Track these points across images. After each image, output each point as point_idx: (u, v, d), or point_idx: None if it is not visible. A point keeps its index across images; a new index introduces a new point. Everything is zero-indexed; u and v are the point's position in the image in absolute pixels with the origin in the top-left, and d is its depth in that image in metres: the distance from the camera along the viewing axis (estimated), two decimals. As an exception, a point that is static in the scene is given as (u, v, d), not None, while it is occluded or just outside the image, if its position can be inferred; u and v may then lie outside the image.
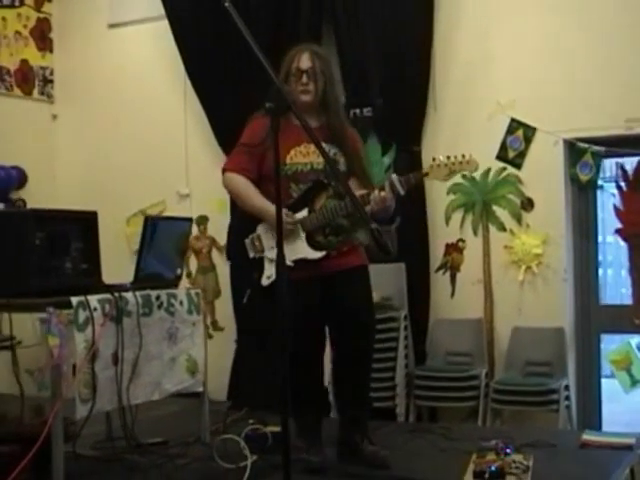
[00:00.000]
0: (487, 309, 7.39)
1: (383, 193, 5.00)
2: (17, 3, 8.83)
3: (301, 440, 5.30)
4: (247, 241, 5.26)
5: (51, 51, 9.20)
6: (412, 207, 7.35)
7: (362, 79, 7.64)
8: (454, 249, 7.56)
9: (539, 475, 4.81)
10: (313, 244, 5.13)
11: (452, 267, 7.58)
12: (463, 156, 5.03)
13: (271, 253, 5.13)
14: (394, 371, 7.28)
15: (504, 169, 7.32)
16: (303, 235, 5.14)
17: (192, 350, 5.61)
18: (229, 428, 5.75)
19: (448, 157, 5.03)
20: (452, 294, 7.58)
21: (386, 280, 7.41)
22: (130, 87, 8.90)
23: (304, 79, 5.22)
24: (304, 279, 5.03)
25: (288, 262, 5.00)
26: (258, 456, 5.10)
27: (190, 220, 5.99)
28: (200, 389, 5.71)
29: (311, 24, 7.78)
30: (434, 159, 5.10)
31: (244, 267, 5.28)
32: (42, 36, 9.08)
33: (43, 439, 4.49)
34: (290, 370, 5.29)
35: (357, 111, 7.30)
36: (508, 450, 5.04)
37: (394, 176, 5.07)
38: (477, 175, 7.24)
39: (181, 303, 5.54)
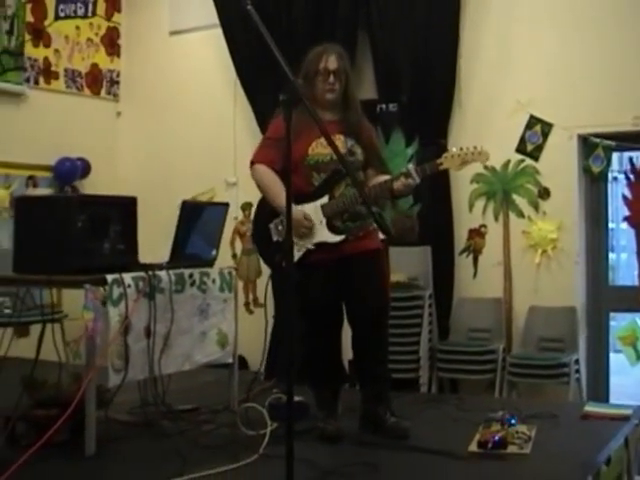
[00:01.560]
0: (506, 289, 7.11)
1: (404, 180, 4.67)
2: (90, 14, 8.69)
3: (319, 411, 4.98)
4: (271, 225, 4.91)
5: (118, 56, 9.03)
6: (438, 195, 7.19)
7: (393, 78, 7.39)
8: (476, 234, 7.28)
9: (539, 445, 4.44)
10: (332, 229, 4.79)
11: (475, 250, 7.29)
12: (475, 147, 4.68)
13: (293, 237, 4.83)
14: (418, 345, 7.00)
15: (523, 161, 7.05)
16: (324, 220, 4.80)
17: (223, 325, 5.24)
18: (258, 397, 5.36)
19: (461, 148, 4.70)
20: (474, 275, 7.30)
21: (413, 262, 7.23)
22: (186, 88, 8.70)
23: (331, 79, 4.88)
24: (324, 260, 4.77)
25: (309, 245, 4.77)
26: (279, 424, 4.77)
27: (226, 205, 5.58)
28: (230, 360, 5.31)
29: (347, 27, 7.52)
30: (447, 150, 4.79)
31: (268, 249, 4.94)
32: (111, 42, 8.92)
33: (78, 404, 4.23)
34: (308, 344, 5.07)
35: (383, 106, 6.99)
36: (513, 421, 4.67)
37: (410, 165, 4.78)
38: (498, 166, 7.06)
39: (214, 281, 5.17)
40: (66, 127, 8.32)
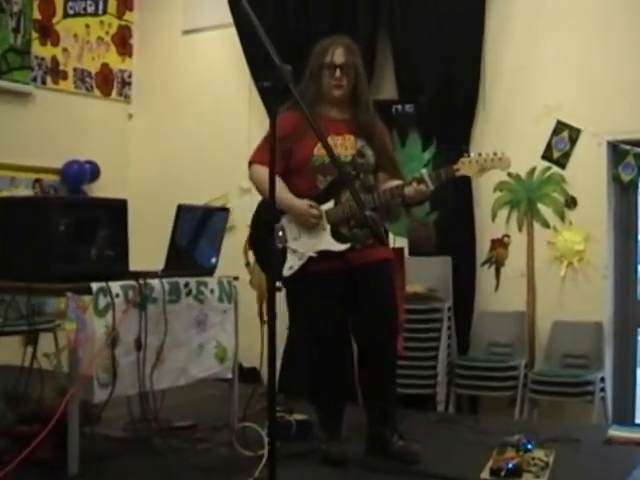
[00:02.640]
0: (529, 303, 6.79)
1: (416, 186, 4.39)
2: (100, 11, 8.46)
3: (322, 431, 4.73)
4: None
5: (130, 56, 8.79)
6: (459, 203, 6.92)
7: (414, 78, 7.11)
8: (499, 244, 6.97)
9: (558, 472, 4.22)
10: (337, 236, 4.52)
11: (497, 261, 6.97)
12: (495, 153, 4.42)
13: (294, 244, 4.59)
14: (436, 360, 6.67)
15: (549, 168, 6.73)
16: (328, 227, 4.53)
17: (222, 337, 4.97)
18: (258, 414, 5.10)
19: (480, 154, 4.44)
20: (496, 287, 6.97)
21: (432, 272, 6.95)
22: (200, 89, 8.47)
23: (338, 74, 4.61)
24: (327, 271, 4.51)
25: (312, 253, 4.50)
26: (280, 444, 4.48)
27: (226, 210, 5.32)
28: (229, 376, 5.03)
29: (367, 25, 7.23)
30: (465, 155, 4.50)
31: (267, 257, 4.65)
32: (123, 42, 8.68)
33: (61, 420, 4.04)
34: (311, 360, 4.78)
35: (399, 107, 6.70)
36: (529, 446, 4.42)
37: (424, 170, 4.53)
38: (523, 174, 6.78)
39: (212, 291, 4.90)
40: (75, 129, 8.11)
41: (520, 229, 6.87)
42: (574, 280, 6.62)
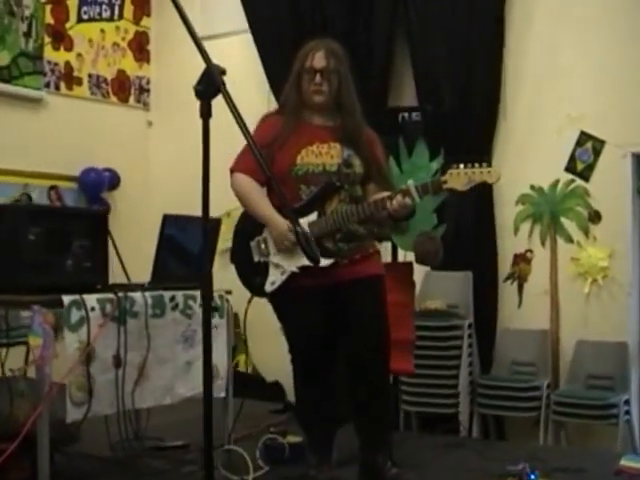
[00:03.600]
0: (553, 320, 6.56)
1: (401, 198, 4.10)
2: (116, 17, 8.32)
3: (312, 456, 4.45)
4: (253, 244, 4.38)
5: (148, 62, 8.63)
6: (481, 216, 6.73)
7: (433, 86, 6.89)
8: (522, 259, 6.73)
9: None
10: (322, 250, 4.16)
11: (520, 277, 6.74)
12: (481, 165, 4.11)
13: (276, 258, 4.30)
14: (457, 378, 6.44)
15: (572, 181, 6.50)
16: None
17: (212, 354, 4.73)
18: (257, 435, 4.89)
19: (466, 165, 4.13)
20: (519, 304, 6.74)
21: (452, 288, 6.74)
22: (219, 96, 8.19)
23: (317, 79, 4.34)
24: (312, 287, 4.22)
25: (293, 268, 4.23)
26: (271, 467, 4.31)
27: (219, 221, 5.06)
28: (221, 395, 4.77)
29: (384, 30, 7.06)
30: (453, 166, 4.19)
31: (248, 271, 4.41)
32: (140, 48, 8.53)
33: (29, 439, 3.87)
34: (296, 381, 4.54)
35: (405, 115, 6.44)
36: (532, 476, 4.14)
37: (411, 182, 4.16)
38: (545, 186, 6.58)
39: (201, 305, 4.68)
40: (91, 135, 7.95)
41: (543, 244, 6.64)
42: (598, 298, 6.39)
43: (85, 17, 8.02)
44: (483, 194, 6.49)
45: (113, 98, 8.33)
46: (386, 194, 4.21)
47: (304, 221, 4.19)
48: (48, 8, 7.65)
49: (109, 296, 4.20)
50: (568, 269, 6.52)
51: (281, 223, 4.18)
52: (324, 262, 4.14)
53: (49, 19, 7.68)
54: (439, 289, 6.67)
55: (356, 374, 4.31)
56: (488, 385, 6.47)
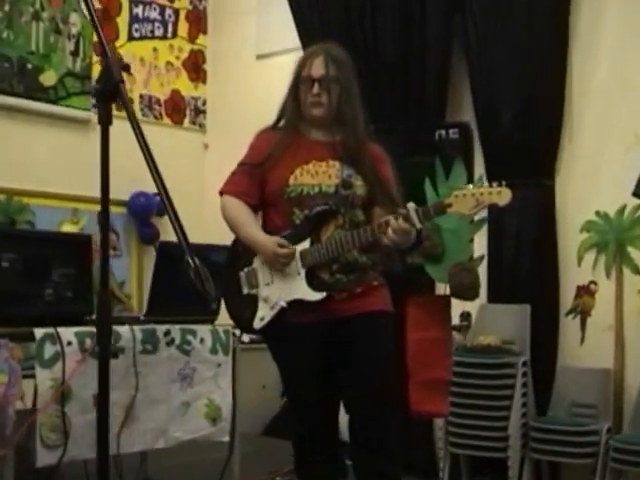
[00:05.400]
0: (617, 359, 6.10)
1: (401, 222, 3.63)
2: (169, 35, 8.19)
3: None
4: (242, 274, 3.97)
5: (204, 82, 8.47)
6: (542, 245, 6.33)
7: (492, 103, 6.54)
8: (585, 292, 6.29)
9: None
10: (315, 283, 3.80)
11: (583, 311, 6.30)
12: (492, 185, 3.62)
13: (265, 290, 3.88)
14: (508, 420, 5.97)
15: None
16: (303, 271, 3.81)
17: (215, 394, 4.45)
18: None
19: (476, 185, 3.70)
20: (582, 341, 6.31)
21: (508, 322, 6.34)
22: (274, 116, 8.01)
23: (315, 89, 3.92)
24: (304, 325, 3.79)
25: (282, 303, 3.79)
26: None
27: (225, 248, 4.73)
28: (225, 439, 4.48)
29: (439, 43, 6.75)
30: (460, 187, 3.78)
31: (235, 304, 4.03)
32: (195, 67, 8.38)
33: None
34: (293, 431, 4.15)
35: (442, 132, 6.04)
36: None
37: (411, 205, 3.68)
38: (612, 212, 6.12)
39: (202, 341, 4.41)
40: (141, 159, 7.69)
41: (608, 275, 6.19)
42: (667, 335, 5.94)
43: (136, 35, 7.93)
44: (545, 220, 6.20)
45: (167, 119, 8.19)
46: (388, 218, 3.75)
47: (296, 249, 3.82)
48: (97, 25, 7.53)
49: (89, 329, 3.93)
50: (635, 303, 6.07)
51: (267, 240, 3.82)
52: (316, 296, 3.77)
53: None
54: (494, 323, 6.30)
55: (359, 423, 3.88)
56: (542, 428, 6.03)
